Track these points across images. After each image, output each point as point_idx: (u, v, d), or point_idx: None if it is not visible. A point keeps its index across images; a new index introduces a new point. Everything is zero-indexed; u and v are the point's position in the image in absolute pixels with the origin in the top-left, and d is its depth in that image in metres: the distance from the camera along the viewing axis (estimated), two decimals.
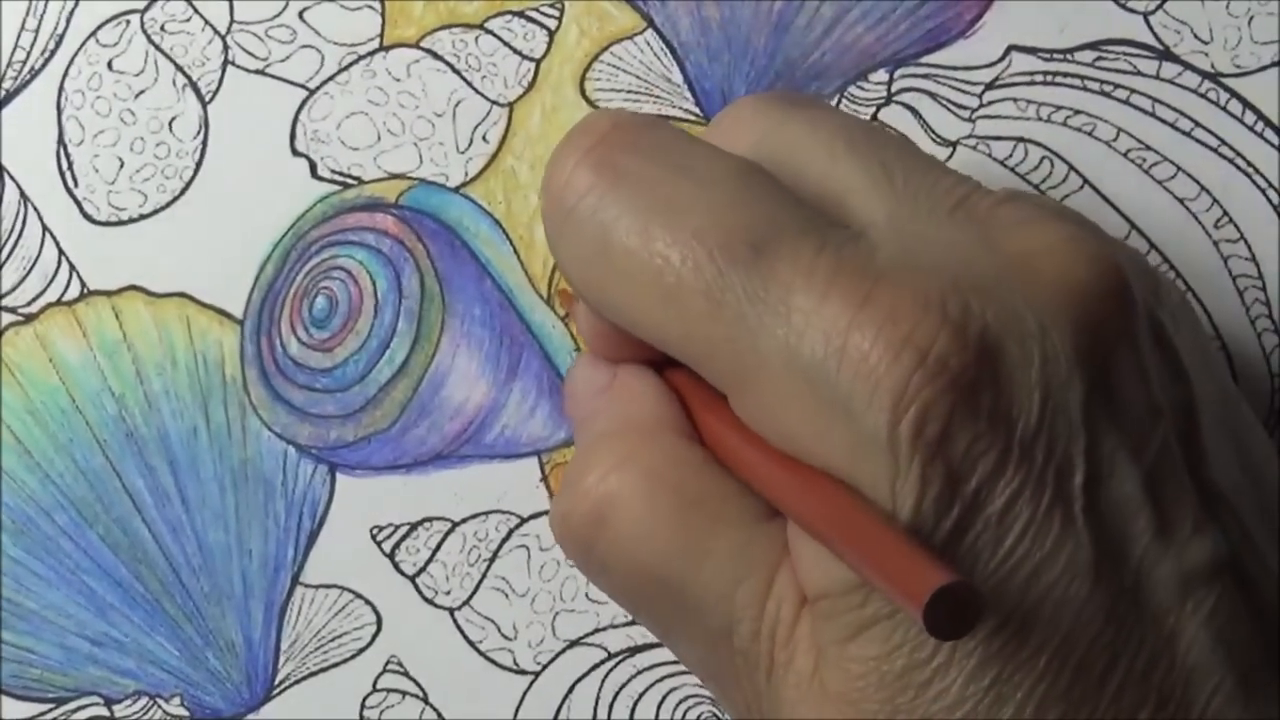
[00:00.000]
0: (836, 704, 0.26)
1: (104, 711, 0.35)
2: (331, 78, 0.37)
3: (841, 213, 0.27)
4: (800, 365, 0.25)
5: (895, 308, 0.25)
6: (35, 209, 0.36)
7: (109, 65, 0.37)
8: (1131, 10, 0.36)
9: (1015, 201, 0.28)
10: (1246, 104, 0.36)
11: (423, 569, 0.36)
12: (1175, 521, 0.26)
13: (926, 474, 0.25)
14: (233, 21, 0.37)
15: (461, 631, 0.36)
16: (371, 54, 0.37)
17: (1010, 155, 0.36)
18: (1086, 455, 0.25)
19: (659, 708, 0.35)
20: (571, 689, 0.35)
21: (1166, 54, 0.36)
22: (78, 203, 0.36)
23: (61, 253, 0.36)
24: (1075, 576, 0.25)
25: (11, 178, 0.36)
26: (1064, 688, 0.25)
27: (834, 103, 0.36)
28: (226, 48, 0.37)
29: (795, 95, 0.31)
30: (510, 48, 0.37)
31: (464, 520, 0.36)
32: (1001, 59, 0.36)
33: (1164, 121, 0.36)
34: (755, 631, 0.27)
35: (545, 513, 0.36)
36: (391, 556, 0.36)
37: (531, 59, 0.37)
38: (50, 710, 0.35)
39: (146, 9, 0.37)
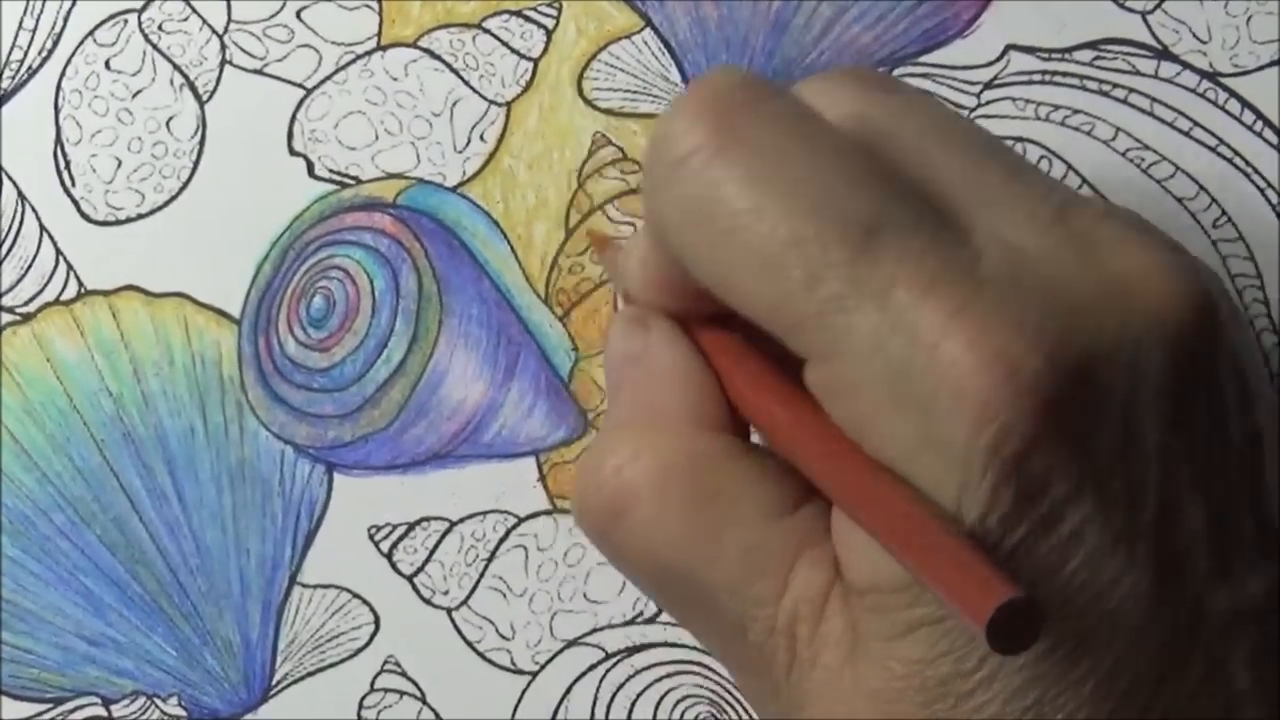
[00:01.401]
0: (870, 701, 0.26)
1: (102, 711, 0.35)
2: (329, 77, 0.37)
3: (939, 208, 0.27)
4: (888, 356, 0.25)
5: (991, 320, 0.25)
6: (33, 208, 0.36)
7: (106, 65, 0.37)
8: (1130, 9, 0.36)
9: (1113, 218, 0.27)
10: (1245, 103, 0.36)
11: (420, 569, 0.36)
12: (1234, 556, 0.26)
13: (998, 490, 0.24)
14: (230, 21, 0.37)
15: (459, 631, 0.35)
16: (369, 53, 0.37)
17: None
18: (1159, 487, 0.25)
19: (656, 708, 0.35)
20: (569, 689, 0.35)
21: (1165, 53, 0.36)
22: (75, 202, 0.36)
23: (59, 252, 0.36)
24: (1132, 606, 0.25)
25: (9, 177, 0.36)
26: (1106, 714, 0.25)
27: None
28: (224, 47, 0.37)
29: (890, 78, 0.31)
30: (508, 47, 0.37)
31: (462, 520, 0.36)
32: (1000, 58, 0.36)
33: (1162, 121, 0.36)
34: (770, 628, 0.27)
35: (543, 512, 0.36)
36: (389, 556, 0.36)
37: (529, 58, 0.37)
38: (48, 710, 0.35)
39: (144, 8, 0.37)
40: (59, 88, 0.37)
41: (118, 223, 0.36)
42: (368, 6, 0.37)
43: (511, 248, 0.36)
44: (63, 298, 0.36)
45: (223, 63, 0.37)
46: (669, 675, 0.35)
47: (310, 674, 0.35)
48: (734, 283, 0.27)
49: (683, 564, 0.28)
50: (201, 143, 0.36)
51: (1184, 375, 0.26)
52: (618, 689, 0.35)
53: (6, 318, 0.36)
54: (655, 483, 0.28)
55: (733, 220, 0.26)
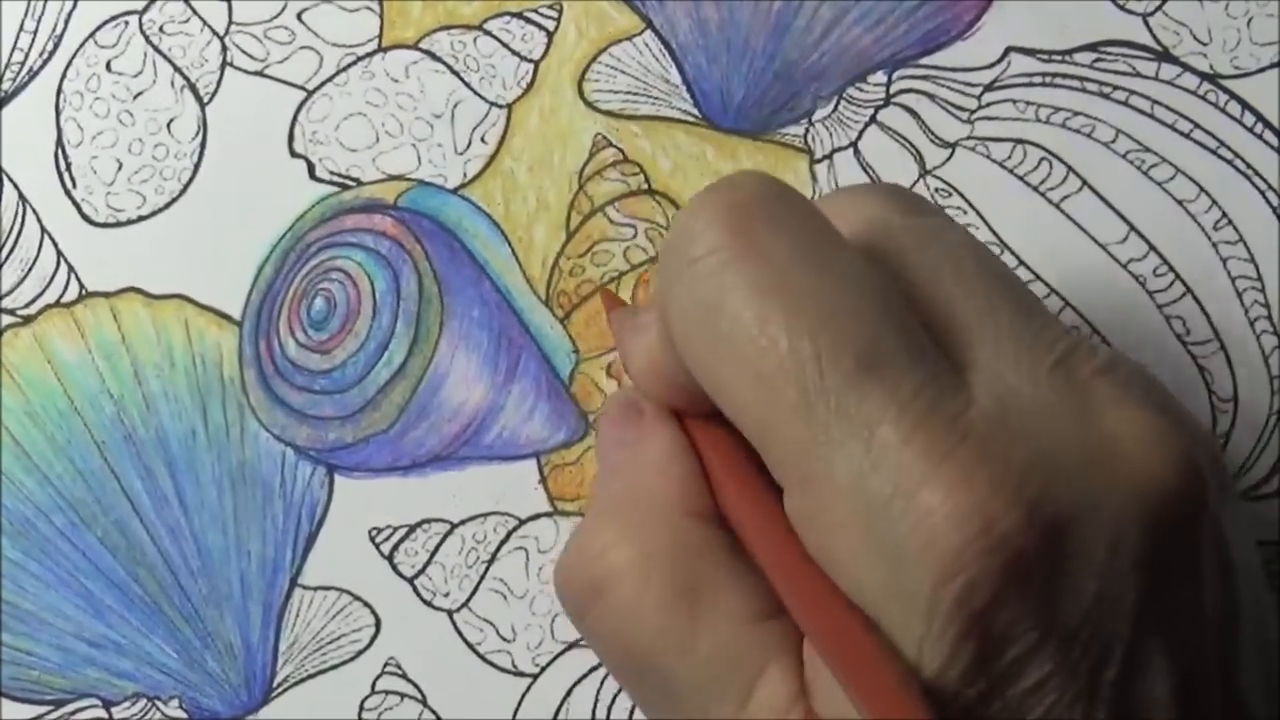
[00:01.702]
0: None
1: (102, 713, 0.35)
2: (330, 79, 0.37)
3: (942, 338, 0.27)
4: (866, 495, 0.25)
5: (973, 473, 0.25)
6: (34, 210, 0.36)
7: (107, 66, 0.37)
8: (1130, 11, 0.36)
9: (1114, 373, 0.27)
10: (1245, 105, 0.36)
11: (421, 571, 0.36)
12: None
13: (959, 643, 0.24)
14: (231, 23, 0.37)
15: (460, 633, 0.35)
16: (370, 55, 0.37)
17: (1009, 156, 0.36)
18: (1125, 653, 0.25)
19: None
20: (570, 691, 0.35)
21: (1165, 55, 0.36)
22: (76, 204, 0.36)
23: (60, 254, 0.36)
24: None
25: (10, 179, 0.36)
26: None
27: (832, 105, 0.36)
28: (225, 49, 0.37)
29: (921, 200, 0.31)
30: (509, 49, 0.37)
31: (462, 522, 0.36)
32: (1000, 60, 0.36)
33: (1163, 123, 0.36)
34: None
35: (544, 514, 0.36)
36: (390, 558, 0.36)
37: (530, 60, 0.37)
38: (49, 712, 0.35)
39: (145, 10, 0.37)
40: (60, 89, 0.37)
41: (119, 224, 0.36)
42: (369, 8, 0.37)
43: (512, 250, 0.36)
44: (64, 299, 0.36)
45: (224, 64, 0.37)
46: None
47: (311, 676, 0.35)
48: (729, 391, 0.27)
49: (654, 654, 0.28)
50: (202, 144, 0.37)
51: (1163, 546, 0.26)
52: (619, 691, 0.35)
53: (7, 320, 0.36)
54: (637, 568, 0.28)
55: (735, 328, 0.26)
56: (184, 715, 0.35)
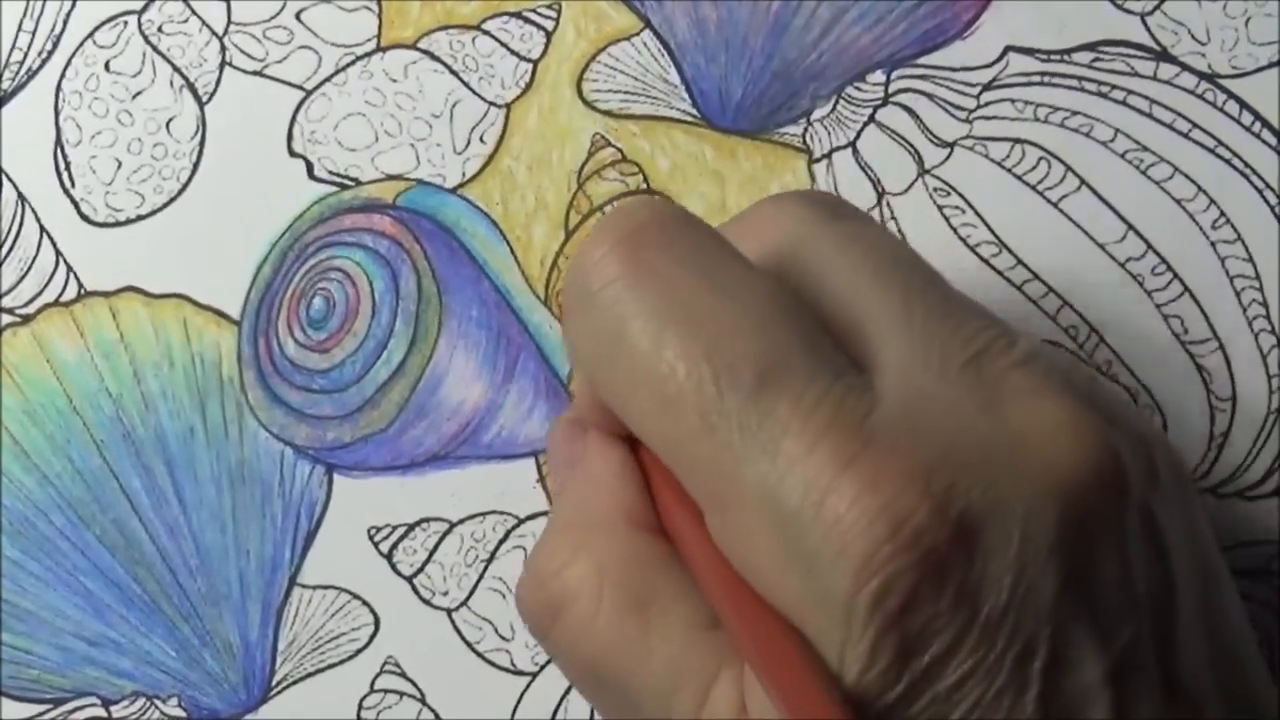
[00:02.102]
0: None
1: (101, 712, 0.35)
2: (329, 79, 0.37)
3: (855, 343, 0.27)
4: (775, 508, 0.25)
5: (879, 475, 0.25)
6: (33, 210, 0.36)
7: (106, 66, 0.37)
8: (1129, 11, 0.36)
9: (1030, 365, 0.27)
10: (1244, 105, 0.36)
11: (420, 570, 0.36)
12: (1136, 716, 0.26)
13: (878, 645, 0.25)
14: (230, 22, 0.37)
15: (459, 632, 0.36)
16: (369, 55, 0.37)
17: (1008, 156, 0.36)
18: (1050, 642, 0.25)
19: None
20: (568, 690, 0.35)
21: (1164, 55, 0.36)
22: (75, 203, 0.36)
23: (59, 253, 0.36)
24: None
25: (9, 179, 0.36)
26: None
27: (831, 104, 0.36)
28: (224, 49, 0.37)
29: (840, 204, 0.31)
30: (507, 49, 0.37)
31: (461, 521, 0.36)
32: (999, 60, 0.36)
33: (1161, 122, 0.36)
34: None
35: (543, 513, 0.36)
36: (389, 557, 0.36)
37: (529, 60, 0.37)
38: (48, 711, 0.35)
39: (144, 10, 0.37)
40: (59, 89, 0.37)
41: (117, 224, 0.36)
42: (367, 8, 0.37)
43: (511, 249, 0.36)
44: (62, 299, 0.36)
45: (222, 64, 0.37)
46: None
47: (310, 675, 0.36)
48: (637, 417, 0.27)
49: (610, 668, 0.28)
50: (201, 144, 0.37)
51: (1082, 534, 0.25)
52: None
53: (6, 319, 0.36)
54: (590, 585, 0.28)
55: (635, 357, 0.27)
56: (183, 714, 0.35)
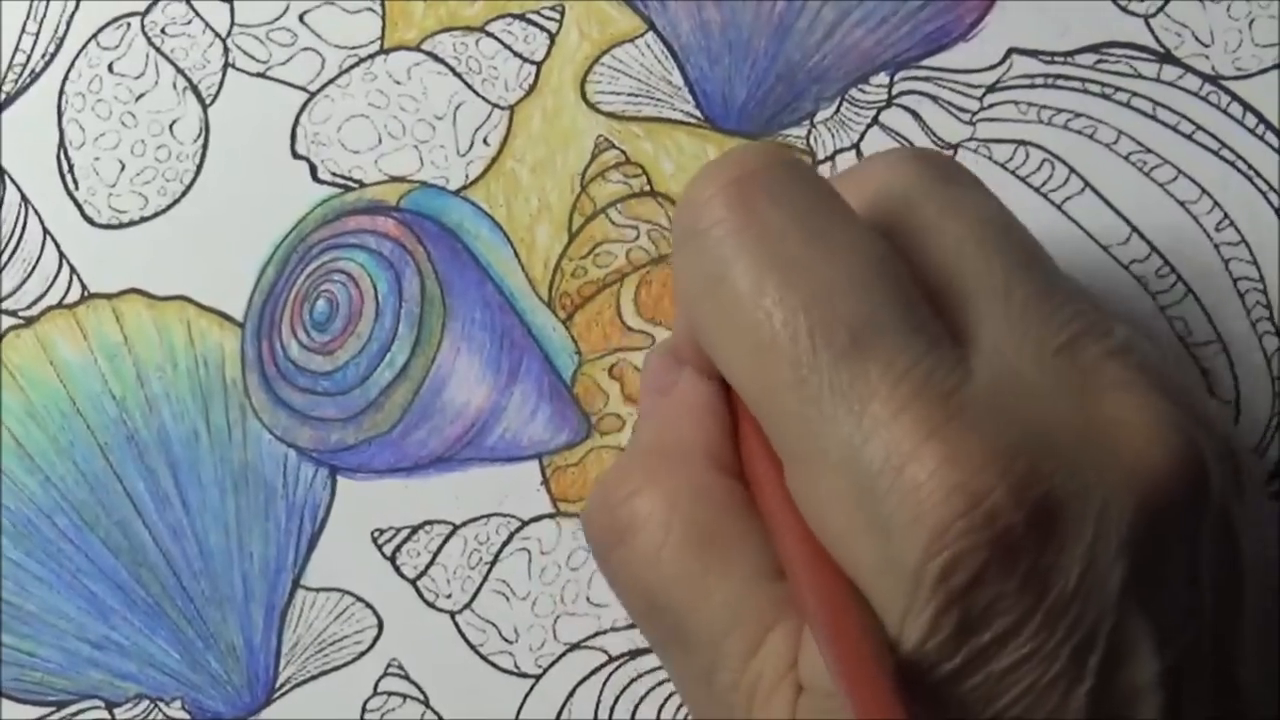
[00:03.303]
0: None
1: (105, 715, 0.35)
2: (332, 80, 0.37)
3: (952, 313, 0.27)
4: (856, 470, 0.25)
5: (961, 450, 0.25)
6: (36, 212, 0.36)
7: (110, 68, 0.37)
8: (1132, 13, 0.36)
9: (1123, 356, 0.27)
10: (1247, 107, 0.36)
11: (424, 572, 0.36)
12: (1188, 714, 0.26)
13: (940, 617, 0.25)
14: (233, 24, 0.37)
15: (462, 635, 0.35)
16: (372, 57, 0.37)
17: (1011, 158, 0.36)
18: (1109, 636, 0.25)
19: (660, 711, 0.35)
20: (573, 692, 0.35)
21: (1167, 57, 0.36)
22: (78, 205, 0.36)
23: (62, 255, 0.36)
24: None
25: (12, 180, 0.36)
26: None
27: (834, 106, 0.36)
28: (227, 50, 0.37)
29: (954, 167, 0.30)
30: (511, 50, 0.37)
31: (465, 523, 0.36)
32: (1002, 62, 0.36)
33: (1165, 124, 0.36)
34: (734, 683, 0.27)
35: (546, 516, 0.36)
36: (392, 560, 0.36)
37: (532, 62, 0.37)
38: (51, 713, 0.35)
39: (147, 12, 0.37)
40: (62, 91, 0.37)
41: (121, 226, 0.36)
42: (371, 10, 0.37)
43: (514, 251, 0.36)
44: (66, 301, 0.36)
45: (226, 66, 0.37)
46: None
47: (313, 677, 0.35)
48: (729, 362, 0.27)
49: (668, 601, 0.28)
50: (205, 146, 0.37)
51: (1156, 533, 0.25)
52: (621, 692, 0.35)
53: (9, 321, 0.36)
54: (659, 515, 0.28)
55: (733, 300, 0.27)
56: (186, 716, 0.35)
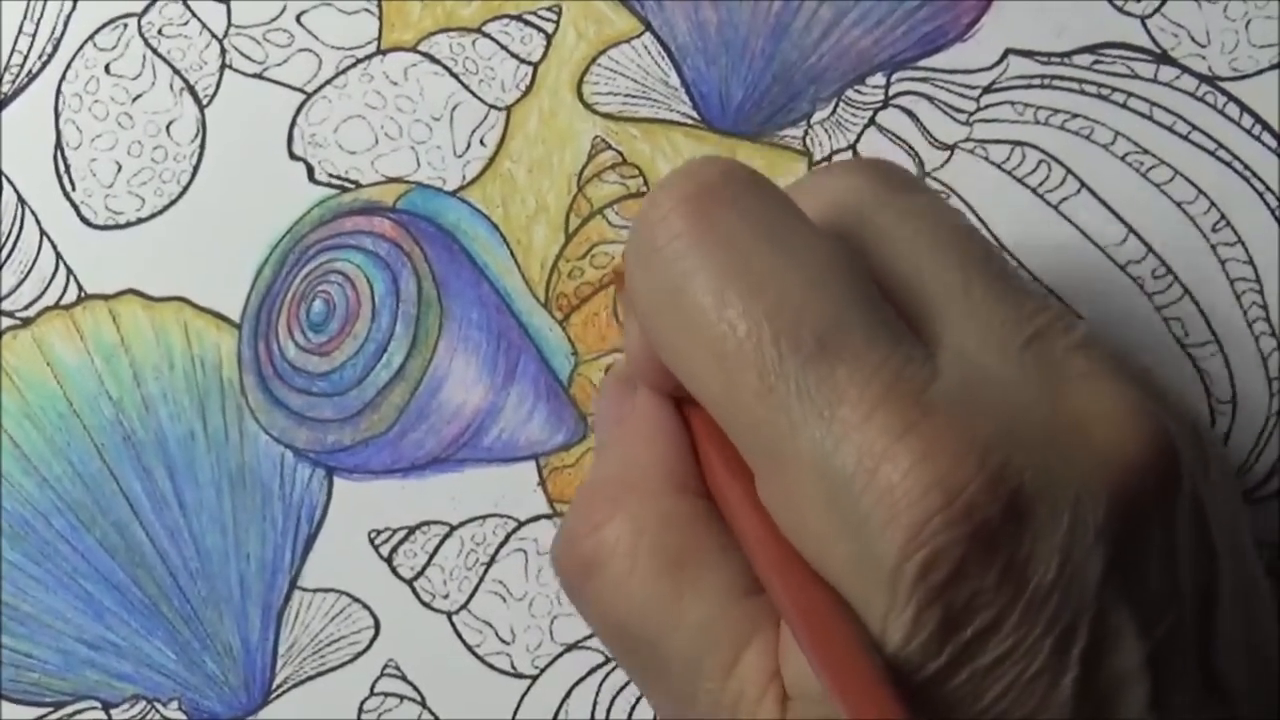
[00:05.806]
0: None
1: (102, 715, 0.35)
2: (329, 81, 0.37)
3: (915, 317, 0.27)
4: (828, 473, 0.25)
5: (934, 446, 0.25)
6: (32, 212, 0.36)
7: (106, 69, 0.37)
8: (1129, 14, 0.36)
9: (1089, 349, 0.27)
10: (1244, 107, 0.36)
11: (420, 573, 0.36)
12: (1171, 703, 0.26)
13: (922, 615, 0.25)
14: (230, 25, 0.37)
15: (459, 635, 0.36)
16: (369, 57, 0.37)
17: (1008, 159, 0.36)
18: (1091, 625, 0.25)
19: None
20: (569, 692, 0.35)
21: (1164, 57, 0.36)
22: (75, 206, 0.36)
23: (59, 256, 0.36)
24: None
25: (9, 181, 0.36)
26: None
27: (831, 107, 0.36)
28: (224, 51, 0.37)
29: (904, 175, 0.31)
30: (508, 51, 0.37)
31: (462, 524, 0.36)
32: (999, 62, 0.36)
33: (1161, 125, 0.36)
34: (716, 703, 0.27)
35: (543, 516, 0.36)
36: (389, 560, 0.36)
37: (529, 62, 0.37)
38: (48, 714, 0.35)
39: (144, 12, 0.37)
40: (59, 92, 0.37)
41: (118, 227, 0.36)
42: (367, 10, 0.37)
43: (511, 252, 0.36)
44: (63, 302, 0.36)
45: (223, 67, 0.37)
46: None
47: (310, 678, 0.36)
48: (694, 374, 0.27)
49: (642, 629, 0.28)
50: (201, 147, 0.37)
51: (1132, 520, 0.25)
52: (618, 692, 0.35)
53: (6, 322, 0.36)
54: (625, 544, 0.28)
55: (698, 314, 0.27)
56: (183, 717, 0.35)
